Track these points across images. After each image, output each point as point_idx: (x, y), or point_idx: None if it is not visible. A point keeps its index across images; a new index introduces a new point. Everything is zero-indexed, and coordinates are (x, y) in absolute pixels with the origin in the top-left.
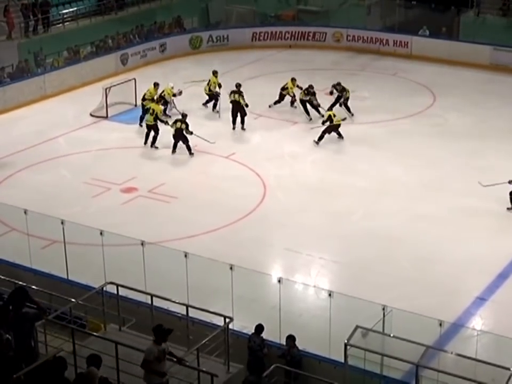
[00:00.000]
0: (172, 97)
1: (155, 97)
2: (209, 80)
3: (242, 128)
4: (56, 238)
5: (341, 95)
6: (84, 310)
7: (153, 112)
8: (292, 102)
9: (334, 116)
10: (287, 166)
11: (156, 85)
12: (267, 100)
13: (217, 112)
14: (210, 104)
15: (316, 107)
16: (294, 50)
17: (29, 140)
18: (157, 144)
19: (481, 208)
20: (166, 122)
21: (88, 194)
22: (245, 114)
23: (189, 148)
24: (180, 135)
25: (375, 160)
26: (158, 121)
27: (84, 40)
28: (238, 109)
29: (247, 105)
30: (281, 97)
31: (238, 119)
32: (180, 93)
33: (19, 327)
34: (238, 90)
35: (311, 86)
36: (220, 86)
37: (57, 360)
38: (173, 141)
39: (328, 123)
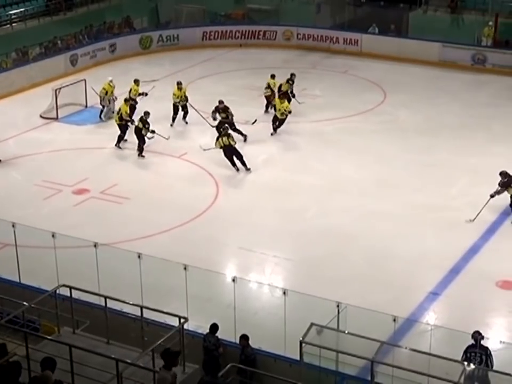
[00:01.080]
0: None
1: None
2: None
3: (248, 169)
4: (7, 241)
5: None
6: (37, 313)
7: (119, 112)
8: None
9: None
10: (238, 164)
11: (136, 81)
12: (218, 98)
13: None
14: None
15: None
16: (245, 49)
17: None
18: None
19: (432, 204)
20: (132, 121)
21: (40, 197)
22: (241, 155)
23: (140, 149)
24: (137, 134)
25: (327, 158)
26: (124, 120)
27: (33, 41)
28: (232, 152)
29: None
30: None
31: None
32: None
33: None
34: (226, 133)
35: (220, 102)
36: (186, 98)
37: (12, 365)
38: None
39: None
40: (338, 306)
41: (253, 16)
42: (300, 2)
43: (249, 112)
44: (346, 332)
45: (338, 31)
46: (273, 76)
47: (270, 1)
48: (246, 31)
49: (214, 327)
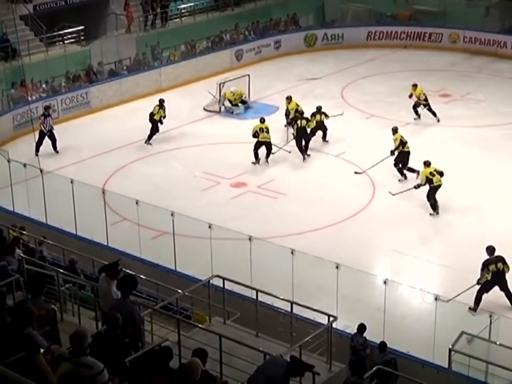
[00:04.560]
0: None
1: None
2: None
3: (307, 155)
4: (165, 229)
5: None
6: (190, 301)
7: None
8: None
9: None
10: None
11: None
12: (381, 99)
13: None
14: None
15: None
16: (409, 51)
17: (143, 131)
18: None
19: None
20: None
21: (199, 187)
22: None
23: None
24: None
25: (488, 164)
26: None
27: (200, 35)
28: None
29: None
30: None
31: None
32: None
33: (125, 313)
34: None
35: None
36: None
37: (164, 350)
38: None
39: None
40: (490, 316)
41: (418, 17)
42: (468, 5)
43: (411, 115)
44: (497, 343)
45: (507, 35)
46: None
47: (436, 3)
48: (411, 33)
49: (361, 327)
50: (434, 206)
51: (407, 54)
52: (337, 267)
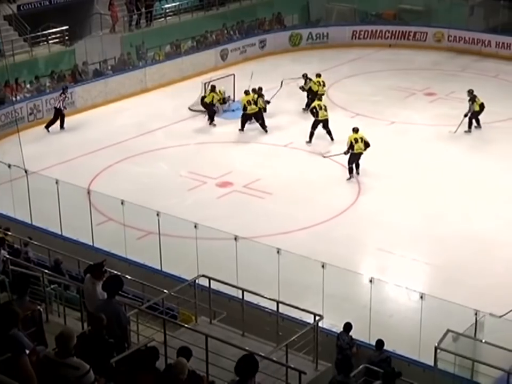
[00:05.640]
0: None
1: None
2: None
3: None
4: (151, 230)
5: None
6: (176, 301)
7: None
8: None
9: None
10: (382, 165)
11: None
12: (365, 98)
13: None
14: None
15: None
16: (394, 50)
17: (129, 131)
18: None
19: None
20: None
21: (185, 187)
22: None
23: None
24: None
25: (471, 163)
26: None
27: (185, 35)
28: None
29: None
30: None
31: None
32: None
33: (111, 314)
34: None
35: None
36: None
37: (150, 350)
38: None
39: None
40: (476, 314)
41: (404, 16)
42: (453, 3)
43: (396, 114)
44: (483, 340)
45: (491, 34)
46: None
47: (422, 2)
48: (396, 31)
49: (347, 326)
50: (351, 170)
51: (391, 53)
52: (323, 266)
